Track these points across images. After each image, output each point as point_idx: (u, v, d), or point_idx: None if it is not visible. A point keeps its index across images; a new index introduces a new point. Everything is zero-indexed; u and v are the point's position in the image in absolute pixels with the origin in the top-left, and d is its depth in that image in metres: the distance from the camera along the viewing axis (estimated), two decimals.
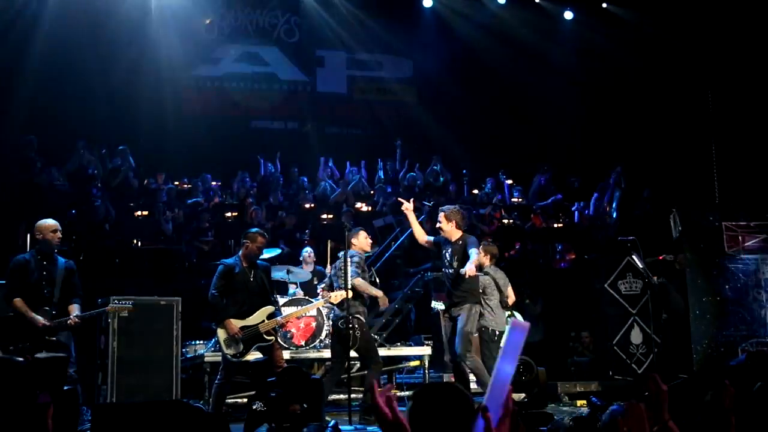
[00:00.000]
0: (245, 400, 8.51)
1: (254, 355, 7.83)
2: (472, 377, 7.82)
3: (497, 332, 8.49)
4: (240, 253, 7.76)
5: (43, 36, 13.62)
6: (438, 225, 8.02)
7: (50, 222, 7.40)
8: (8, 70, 13.27)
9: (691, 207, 10.61)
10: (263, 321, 7.60)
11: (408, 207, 8.10)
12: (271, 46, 17.28)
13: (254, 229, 8.08)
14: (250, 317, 7.60)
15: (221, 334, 7.54)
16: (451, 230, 7.93)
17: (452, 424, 2.20)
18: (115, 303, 7.72)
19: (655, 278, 9.51)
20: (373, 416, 2.08)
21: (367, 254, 9.59)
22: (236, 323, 7.50)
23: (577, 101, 15.73)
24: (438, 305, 8.60)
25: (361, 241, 8.23)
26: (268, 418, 6.22)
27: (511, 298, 8.82)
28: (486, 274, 8.51)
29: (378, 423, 2.05)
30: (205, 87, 16.64)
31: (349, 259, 7.89)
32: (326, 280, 8.83)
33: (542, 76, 16.31)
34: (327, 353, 9.15)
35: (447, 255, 7.98)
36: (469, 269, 7.56)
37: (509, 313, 8.95)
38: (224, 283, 7.60)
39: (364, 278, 8.08)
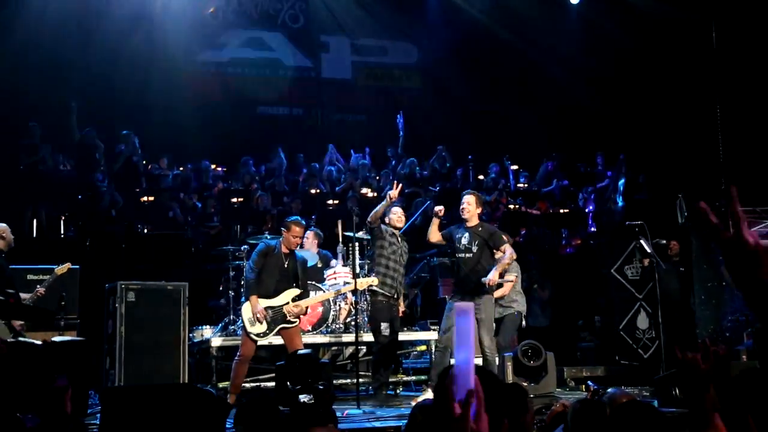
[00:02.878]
0: (249, 385, 8.56)
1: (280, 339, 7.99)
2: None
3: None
4: (282, 238, 7.96)
5: (46, 23, 13.58)
6: (465, 206, 7.89)
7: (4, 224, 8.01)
8: (14, 55, 13.25)
9: (696, 192, 10.62)
10: (288, 302, 7.77)
11: (394, 195, 8.02)
12: (276, 32, 17.25)
13: (292, 218, 8.25)
14: (276, 298, 7.78)
15: (246, 311, 7.73)
16: (474, 214, 7.91)
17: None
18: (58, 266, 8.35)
19: (647, 262, 9.54)
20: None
21: (366, 238, 9.67)
22: (262, 302, 7.67)
23: (583, 86, 15.67)
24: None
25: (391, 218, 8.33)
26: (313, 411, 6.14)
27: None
28: None
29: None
30: (209, 73, 16.60)
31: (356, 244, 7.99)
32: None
33: (548, 61, 16.26)
34: (333, 338, 9.19)
35: (464, 239, 7.89)
36: (492, 278, 7.67)
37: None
38: (261, 261, 7.84)
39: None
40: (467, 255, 7.87)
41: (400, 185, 8.56)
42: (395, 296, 8.23)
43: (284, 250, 7.88)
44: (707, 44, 12.98)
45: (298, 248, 9.90)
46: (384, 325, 8.12)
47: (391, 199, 8.01)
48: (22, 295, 8.05)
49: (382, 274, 8.16)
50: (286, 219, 8.21)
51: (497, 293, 8.45)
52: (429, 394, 7.57)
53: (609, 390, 4.92)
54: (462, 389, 1.87)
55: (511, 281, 8.67)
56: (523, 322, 9.12)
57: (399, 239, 8.35)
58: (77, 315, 8.72)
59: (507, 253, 7.89)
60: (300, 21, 17.43)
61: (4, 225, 8.00)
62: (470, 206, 7.89)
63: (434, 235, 8.06)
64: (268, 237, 9.45)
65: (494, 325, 8.17)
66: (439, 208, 7.94)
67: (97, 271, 9.24)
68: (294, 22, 17.42)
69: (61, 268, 8.37)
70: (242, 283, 8.43)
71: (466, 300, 7.61)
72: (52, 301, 8.26)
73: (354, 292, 8.27)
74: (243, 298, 8.25)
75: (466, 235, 7.89)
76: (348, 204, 12.16)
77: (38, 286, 8.19)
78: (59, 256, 8.91)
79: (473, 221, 7.92)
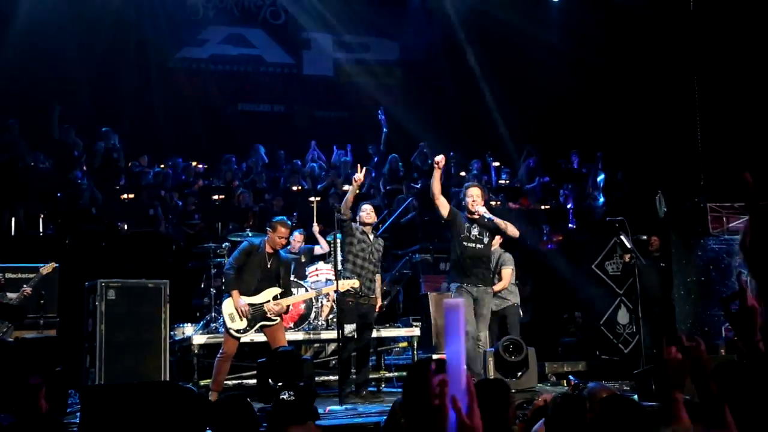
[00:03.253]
0: (232, 382, 8.53)
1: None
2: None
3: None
4: (267, 237, 7.91)
5: (23, 17, 13.47)
6: (475, 200, 7.75)
7: None
8: None
9: (676, 188, 10.70)
10: (268, 300, 7.74)
11: (359, 178, 7.91)
12: (257, 28, 17.20)
13: (278, 218, 8.11)
14: (256, 296, 7.75)
15: (226, 307, 7.67)
16: (480, 205, 7.80)
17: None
18: (43, 265, 8.20)
19: (628, 257, 9.61)
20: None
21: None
22: (243, 299, 7.65)
23: (565, 83, 15.74)
24: None
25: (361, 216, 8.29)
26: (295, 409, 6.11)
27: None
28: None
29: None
30: (190, 69, 16.53)
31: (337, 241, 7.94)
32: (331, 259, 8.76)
33: (530, 57, 16.30)
34: (315, 335, 9.18)
35: (474, 230, 7.80)
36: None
37: None
38: (243, 259, 7.76)
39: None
40: (478, 246, 7.80)
41: (365, 168, 8.50)
42: (365, 294, 8.12)
43: (268, 249, 7.82)
44: (685, 39, 13.06)
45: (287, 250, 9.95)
46: (349, 327, 7.96)
47: (356, 182, 7.95)
48: (9, 295, 7.99)
49: (350, 271, 8.07)
50: (272, 219, 8.09)
51: (497, 287, 8.56)
52: None
53: (589, 384, 4.95)
54: (454, 383, 1.88)
55: (509, 273, 8.79)
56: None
57: (370, 237, 8.27)
58: (56, 313, 8.65)
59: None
60: (281, 18, 17.39)
61: None
62: (479, 198, 7.80)
63: (438, 186, 7.73)
64: (250, 234, 9.43)
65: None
66: (440, 158, 7.59)
67: (76, 270, 9.16)
68: (275, 18, 17.38)
69: (46, 268, 8.25)
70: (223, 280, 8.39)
71: (471, 289, 7.70)
72: (32, 300, 8.20)
73: (337, 292, 8.17)
74: (225, 294, 8.21)
75: (475, 225, 7.81)
76: (330, 201, 12.14)
77: (24, 285, 8.08)
78: (38, 254, 8.85)
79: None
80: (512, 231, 7.89)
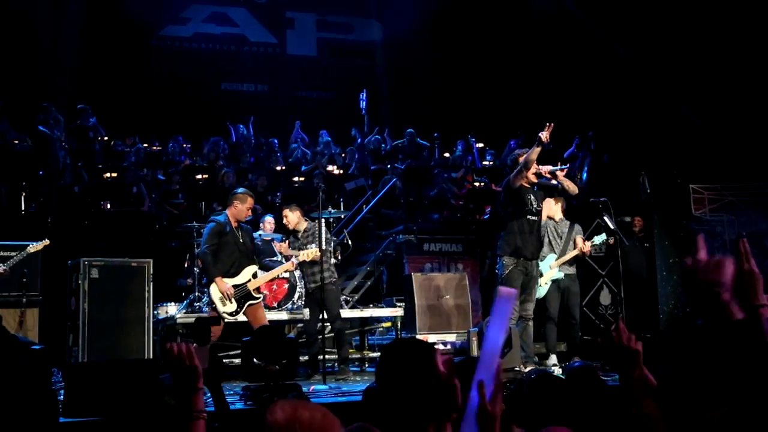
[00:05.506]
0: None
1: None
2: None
3: None
4: (228, 211, 7.74)
5: None
6: (536, 168, 7.51)
7: None
8: None
9: (659, 169, 10.75)
10: (250, 279, 7.73)
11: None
12: (240, 7, 17.07)
13: (241, 189, 8.03)
14: (238, 276, 7.70)
15: (214, 292, 7.62)
16: None
17: (417, 377, 2.15)
18: (33, 244, 8.01)
19: (611, 240, 9.65)
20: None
21: (334, 214, 9.69)
22: (227, 281, 7.59)
23: (550, 63, 15.73)
24: None
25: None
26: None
27: None
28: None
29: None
30: (173, 47, 16.39)
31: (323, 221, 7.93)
32: (296, 243, 8.74)
33: (515, 38, 16.28)
34: (299, 315, 9.18)
35: (534, 203, 7.63)
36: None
37: None
38: (215, 240, 7.61)
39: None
40: (538, 219, 7.70)
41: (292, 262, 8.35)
42: (317, 282, 8.16)
43: (233, 224, 7.71)
44: (668, 23, 13.12)
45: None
46: (305, 311, 8.47)
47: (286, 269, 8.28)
48: None
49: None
50: (235, 191, 7.94)
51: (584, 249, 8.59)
52: None
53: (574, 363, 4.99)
54: (485, 368, 1.89)
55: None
56: None
57: (301, 235, 8.52)
58: (39, 292, 8.57)
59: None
60: None
61: None
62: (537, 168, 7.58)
63: (534, 161, 7.39)
64: None
65: None
66: (544, 134, 7.16)
67: (59, 248, 9.09)
68: None
69: (35, 246, 8.07)
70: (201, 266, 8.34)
71: (526, 264, 7.59)
72: (14, 278, 8.13)
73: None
74: (205, 279, 8.16)
75: (533, 196, 7.62)
76: (314, 181, 12.11)
77: (1, 264, 8.00)
78: (21, 232, 8.77)
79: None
80: (572, 188, 7.78)
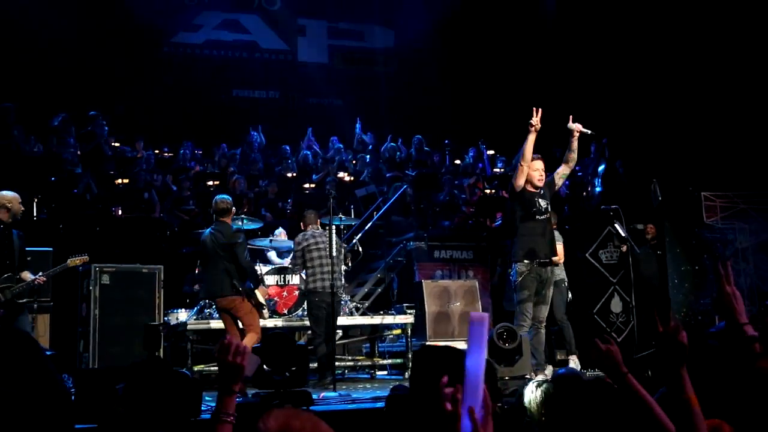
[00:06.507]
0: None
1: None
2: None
3: None
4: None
5: (20, 2, 13.40)
6: (543, 173, 7.41)
7: (15, 194, 7.29)
8: None
9: (671, 177, 10.71)
10: None
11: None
12: (252, 14, 17.14)
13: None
14: None
15: (261, 296, 7.89)
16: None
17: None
18: (73, 257, 7.75)
19: (624, 247, 9.60)
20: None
21: (345, 222, 9.69)
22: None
23: (562, 70, 15.71)
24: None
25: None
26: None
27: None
28: None
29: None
30: (185, 54, 16.47)
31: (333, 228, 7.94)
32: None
33: (526, 44, 16.27)
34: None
35: (542, 202, 7.41)
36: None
37: None
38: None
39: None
40: (548, 219, 7.47)
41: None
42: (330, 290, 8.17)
43: None
44: (683, 27, 13.09)
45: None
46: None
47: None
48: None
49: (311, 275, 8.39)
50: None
51: (556, 259, 8.16)
52: None
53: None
54: (471, 395, 1.90)
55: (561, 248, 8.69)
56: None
57: (321, 238, 8.53)
58: (50, 298, 8.61)
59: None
60: (276, 4, 17.34)
61: (11, 194, 7.24)
62: (544, 173, 7.45)
63: (530, 151, 7.33)
64: (245, 220, 9.40)
65: None
66: (535, 120, 7.23)
67: (71, 254, 9.12)
68: (270, 4, 17.32)
69: (74, 260, 7.70)
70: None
71: (539, 270, 7.37)
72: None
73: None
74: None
75: (541, 198, 7.42)
76: (326, 187, 12.13)
77: (41, 273, 7.48)
78: (31, 238, 8.79)
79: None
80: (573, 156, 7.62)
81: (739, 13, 12.49)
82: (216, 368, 8.33)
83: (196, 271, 9.85)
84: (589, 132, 7.57)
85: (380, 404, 6.03)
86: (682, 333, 2.46)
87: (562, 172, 7.59)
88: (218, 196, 7.98)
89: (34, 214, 10.60)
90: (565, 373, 3.75)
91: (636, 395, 2.50)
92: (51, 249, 8.58)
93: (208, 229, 7.88)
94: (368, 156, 14.60)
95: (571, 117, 7.53)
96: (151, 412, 2.79)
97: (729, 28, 12.66)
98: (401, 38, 17.77)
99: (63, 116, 12.36)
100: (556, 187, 7.67)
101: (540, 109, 7.25)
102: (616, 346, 2.59)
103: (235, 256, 7.53)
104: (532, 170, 7.37)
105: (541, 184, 7.40)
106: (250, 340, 7.24)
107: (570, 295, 9.13)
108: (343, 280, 8.67)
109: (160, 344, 6.63)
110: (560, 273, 8.76)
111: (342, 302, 8.68)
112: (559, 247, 8.55)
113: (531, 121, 7.22)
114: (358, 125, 15.32)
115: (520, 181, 7.37)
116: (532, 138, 7.29)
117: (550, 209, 7.51)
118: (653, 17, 14.23)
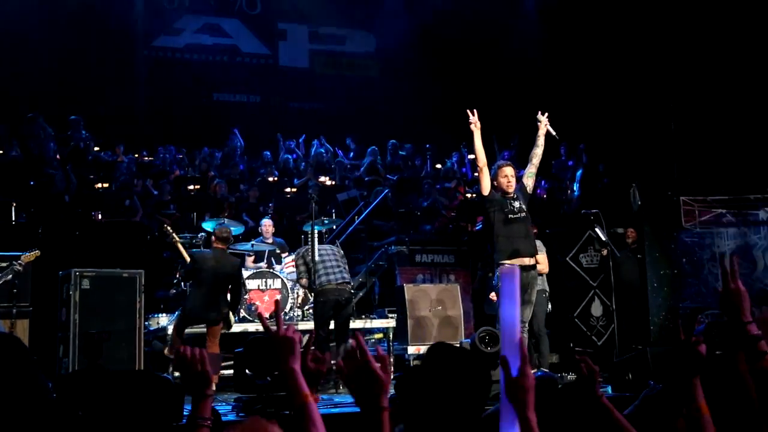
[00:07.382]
0: None
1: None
2: None
3: None
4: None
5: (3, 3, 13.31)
6: (512, 181, 7.39)
7: None
8: None
9: (650, 181, 10.79)
10: None
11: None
12: (233, 18, 17.11)
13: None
14: None
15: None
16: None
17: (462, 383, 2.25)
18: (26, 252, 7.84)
19: (605, 251, 9.65)
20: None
21: (326, 226, 9.69)
22: None
23: (543, 75, 15.79)
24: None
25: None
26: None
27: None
28: None
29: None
30: (165, 58, 16.40)
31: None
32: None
33: (507, 49, 16.34)
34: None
35: (516, 203, 7.36)
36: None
37: None
38: None
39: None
40: (521, 215, 7.40)
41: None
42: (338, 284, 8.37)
43: None
44: (661, 34, 13.20)
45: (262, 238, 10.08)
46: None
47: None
48: None
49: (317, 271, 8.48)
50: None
51: (540, 268, 8.23)
52: None
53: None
54: (509, 344, 1.99)
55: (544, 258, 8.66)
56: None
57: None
58: (29, 303, 8.51)
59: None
60: (257, 8, 17.32)
61: None
62: (514, 178, 7.46)
63: (482, 153, 7.37)
64: (226, 223, 9.36)
65: None
66: (473, 120, 7.34)
67: (50, 258, 9.05)
68: (251, 8, 17.30)
69: (28, 256, 7.89)
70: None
71: (531, 266, 7.39)
72: (5, 289, 8.06)
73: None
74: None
75: (514, 200, 7.40)
76: (309, 191, 12.12)
77: None
78: (11, 242, 8.72)
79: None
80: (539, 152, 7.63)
81: (719, 19, 12.62)
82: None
83: (182, 285, 9.72)
84: (555, 134, 7.61)
85: None
86: (702, 345, 2.49)
87: (529, 171, 7.60)
88: (219, 226, 8.54)
89: (13, 218, 10.51)
90: (541, 376, 3.78)
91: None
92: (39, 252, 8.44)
93: (209, 252, 8.27)
94: (348, 162, 14.61)
95: (540, 111, 7.54)
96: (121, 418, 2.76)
97: (709, 33, 12.78)
98: (382, 43, 17.79)
99: (33, 115, 12.23)
100: (529, 189, 7.61)
101: (475, 110, 7.39)
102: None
103: (236, 289, 8.15)
104: (500, 177, 7.38)
105: (510, 190, 7.38)
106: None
107: (550, 307, 9.15)
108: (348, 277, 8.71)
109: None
110: (542, 284, 8.72)
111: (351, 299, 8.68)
112: (542, 257, 8.54)
113: (470, 121, 7.36)
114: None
115: (485, 184, 7.35)
116: (477, 137, 7.38)
117: (525, 209, 7.45)
118: (634, 23, 14.34)
